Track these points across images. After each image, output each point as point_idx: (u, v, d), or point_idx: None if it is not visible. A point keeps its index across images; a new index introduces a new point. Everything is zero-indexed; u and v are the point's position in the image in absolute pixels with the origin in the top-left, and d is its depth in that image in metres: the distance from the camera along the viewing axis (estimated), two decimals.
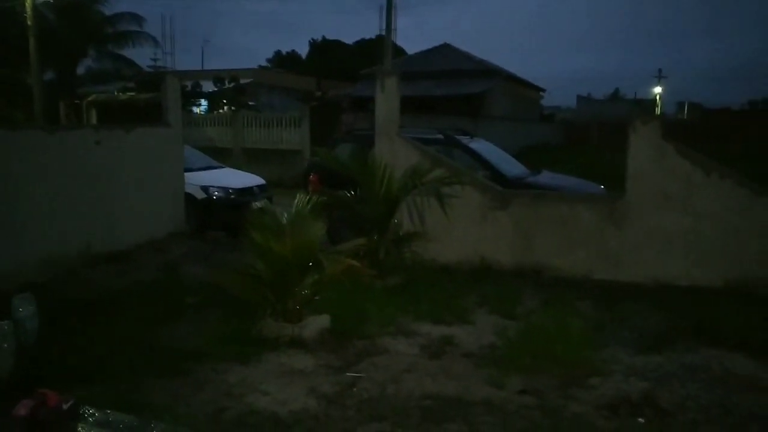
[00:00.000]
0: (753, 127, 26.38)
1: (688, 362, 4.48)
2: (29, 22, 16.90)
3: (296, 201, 5.31)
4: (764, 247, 6.14)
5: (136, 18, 23.89)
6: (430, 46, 31.92)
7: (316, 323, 4.92)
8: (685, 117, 48.80)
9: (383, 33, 21.98)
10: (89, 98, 21.90)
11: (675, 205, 6.38)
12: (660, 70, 51.46)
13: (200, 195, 9.44)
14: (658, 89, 50.76)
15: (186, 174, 9.20)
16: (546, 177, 8.85)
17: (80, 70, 23.79)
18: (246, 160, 17.30)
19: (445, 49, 31.02)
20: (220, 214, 9.45)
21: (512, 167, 8.90)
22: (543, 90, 40.57)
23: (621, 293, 6.13)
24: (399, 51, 36.17)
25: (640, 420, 3.64)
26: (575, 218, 6.80)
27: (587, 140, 32.15)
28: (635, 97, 58.47)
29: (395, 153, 7.32)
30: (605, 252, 6.68)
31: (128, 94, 23.41)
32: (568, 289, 6.25)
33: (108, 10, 23.27)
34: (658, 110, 46.64)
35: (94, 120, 20.47)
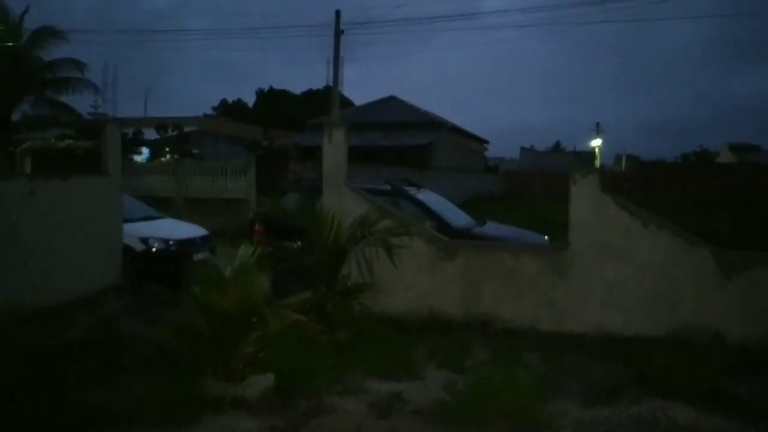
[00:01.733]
0: (686, 178, 27.90)
1: (635, 414, 4.50)
2: None
3: (240, 252, 5.16)
4: (699, 297, 6.35)
5: (78, 64, 23.38)
6: (377, 98, 32.63)
7: (260, 382, 4.70)
8: (623, 169, 51.18)
9: (331, 84, 22.34)
10: (24, 145, 21.08)
11: (616, 256, 6.56)
12: (598, 124, 53.97)
13: (139, 247, 9.08)
14: (596, 141, 53.18)
15: (125, 225, 8.86)
16: (491, 228, 8.99)
17: (16, 116, 22.96)
18: (189, 209, 16.90)
19: (391, 101, 31.76)
20: (160, 267, 9.09)
21: (458, 218, 9.01)
22: (487, 141, 41.89)
23: (567, 344, 6.17)
24: (346, 102, 36.77)
25: None
26: (520, 269, 6.89)
27: (530, 190, 33.15)
28: (575, 149, 61.06)
29: (343, 203, 7.28)
30: (551, 302, 6.76)
31: (66, 141, 22.70)
32: (515, 340, 6.24)
33: (48, 56, 22.73)
34: (597, 162, 48.77)
35: (28, 168, 19.64)
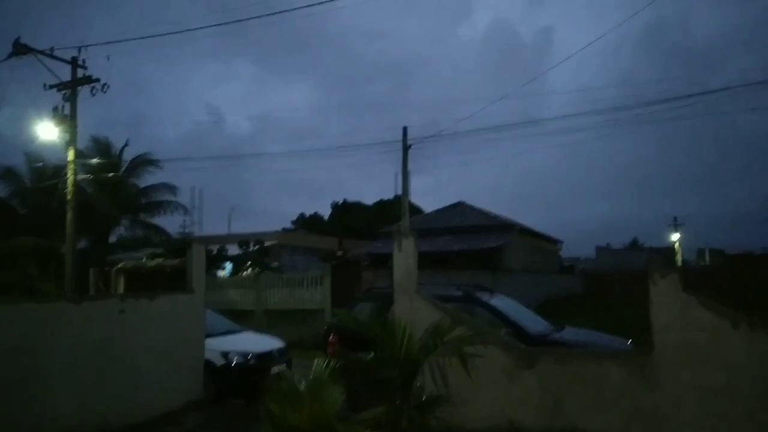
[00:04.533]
0: None
1: None
2: (68, 197, 18.02)
3: (314, 365, 5.22)
4: None
5: (170, 188, 25.47)
6: (446, 204, 33.15)
7: None
8: (708, 263, 48.46)
9: (400, 194, 23.03)
10: (118, 265, 22.63)
11: (707, 360, 6.14)
12: (675, 218, 52.10)
13: (219, 361, 9.34)
14: (675, 236, 51.06)
15: (207, 339, 9.20)
16: (570, 333, 8.65)
17: (112, 237, 24.91)
18: (267, 321, 17.32)
19: (460, 206, 32.14)
20: (239, 381, 9.26)
21: (535, 323, 8.76)
22: (560, 241, 41.08)
23: None
24: (416, 209, 37.55)
25: None
26: (604, 376, 6.53)
27: (609, 290, 31.80)
28: (650, 247, 58.71)
29: (415, 311, 7.28)
30: (640, 412, 6.32)
31: (156, 260, 24.18)
32: None
33: (143, 182, 24.92)
34: (678, 258, 46.53)
35: (121, 287, 20.96)
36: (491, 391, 6.84)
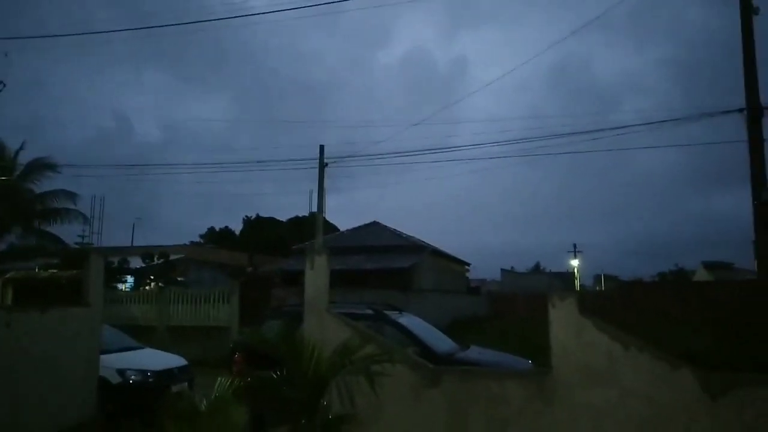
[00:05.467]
0: (663, 296, 28.06)
1: None
2: None
3: (217, 384, 5.06)
4: (689, 421, 6.23)
5: (70, 195, 23.86)
6: (360, 223, 33.37)
7: None
8: (602, 289, 51.60)
9: (316, 211, 22.95)
10: (6, 275, 20.95)
11: (600, 380, 6.48)
12: (575, 245, 55.12)
13: (115, 379, 8.84)
14: (575, 262, 53.99)
15: (102, 356, 8.68)
16: (474, 352, 8.91)
17: (1, 246, 23.01)
18: (171, 338, 16.59)
19: (374, 227, 32.47)
20: (136, 400, 8.79)
21: (441, 343, 8.95)
22: (468, 264, 42.36)
23: None
24: (331, 227, 37.48)
25: None
26: (506, 396, 6.75)
27: (513, 311, 33.08)
28: (551, 271, 61.81)
29: (324, 329, 7.23)
30: (539, 430, 6.57)
31: (50, 271, 22.61)
32: None
33: (41, 188, 23.25)
34: (576, 283, 49.20)
35: (9, 299, 19.40)
36: (397, 410, 6.88)
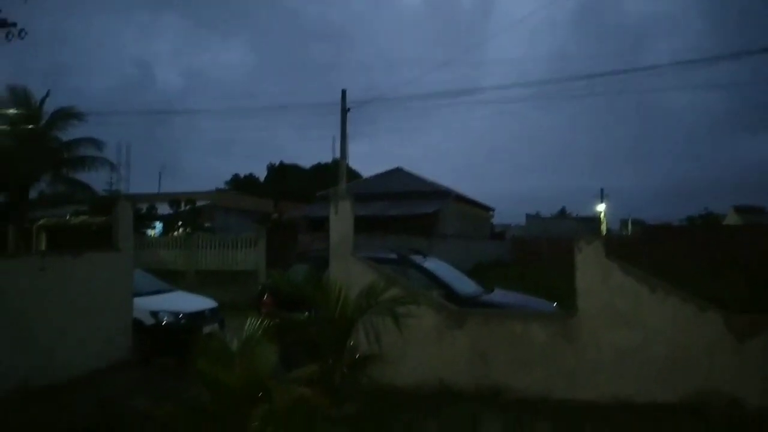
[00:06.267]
0: (693, 240, 27.62)
1: None
2: None
3: (247, 325, 5.17)
4: (712, 362, 6.24)
5: (95, 143, 24.09)
6: (384, 170, 33.23)
7: None
8: (629, 233, 51.08)
9: (338, 158, 22.86)
10: (39, 222, 21.50)
11: (625, 322, 6.50)
12: (602, 190, 54.19)
13: (149, 320, 9.11)
14: (601, 207, 53.32)
15: (135, 299, 8.94)
16: (499, 295, 8.95)
17: (33, 194, 23.50)
18: (199, 282, 16.99)
19: (398, 173, 32.31)
20: (170, 340, 9.07)
21: (466, 286, 9.00)
22: (492, 209, 42.15)
23: (580, 413, 6.03)
24: (354, 174, 37.46)
25: None
26: (530, 337, 6.83)
27: (537, 256, 33.03)
28: (577, 216, 61.19)
29: (350, 273, 7.32)
30: (562, 371, 6.66)
31: (81, 217, 23.13)
32: (527, 411, 6.11)
33: (67, 136, 23.50)
34: (603, 227, 48.73)
35: (43, 244, 19.97)
36: (422, 350, 7.02)
